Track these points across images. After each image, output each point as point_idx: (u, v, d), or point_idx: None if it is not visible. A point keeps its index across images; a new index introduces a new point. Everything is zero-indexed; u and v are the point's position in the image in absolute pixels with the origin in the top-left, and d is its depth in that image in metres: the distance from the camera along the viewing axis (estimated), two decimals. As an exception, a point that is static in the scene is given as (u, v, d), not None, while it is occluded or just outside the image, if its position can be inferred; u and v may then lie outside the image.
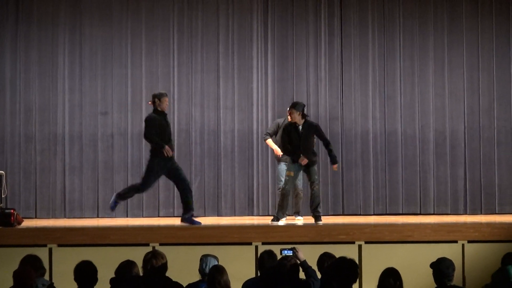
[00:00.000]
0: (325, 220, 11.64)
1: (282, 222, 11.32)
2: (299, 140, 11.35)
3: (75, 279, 6.78)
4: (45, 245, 10.00)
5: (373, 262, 9.75)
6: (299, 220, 11.90)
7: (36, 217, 13.15)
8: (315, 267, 7.41)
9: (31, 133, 13.40)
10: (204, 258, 7.66)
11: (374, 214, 13.36)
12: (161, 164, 10.67)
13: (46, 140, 13.41)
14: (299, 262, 7.15)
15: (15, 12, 13.49)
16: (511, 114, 13.55)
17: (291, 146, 11.42)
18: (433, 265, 6.93)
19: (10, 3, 13.48)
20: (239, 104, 13.57)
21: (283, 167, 12.21)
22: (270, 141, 12.40)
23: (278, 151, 12.20)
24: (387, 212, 13.41)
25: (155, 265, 6.94)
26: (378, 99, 13.61)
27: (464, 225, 10.59)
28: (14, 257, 8.39)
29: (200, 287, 7.33)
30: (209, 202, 13.35)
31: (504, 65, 13.59)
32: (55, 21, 13.51)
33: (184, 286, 7.11)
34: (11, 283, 6.87)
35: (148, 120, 10.80)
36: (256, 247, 9.95)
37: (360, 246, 10.14)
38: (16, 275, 6.86)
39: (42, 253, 8.47)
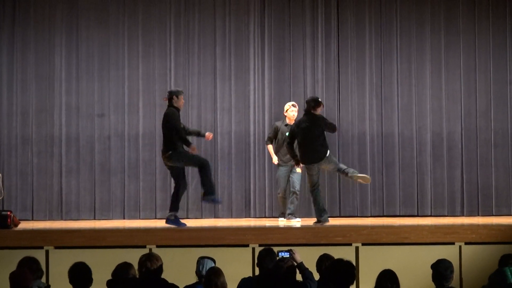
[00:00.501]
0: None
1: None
2: None
3: (70, 281, 6.78)
4: (41, 247, 10.00)
5: (370, 264, 9.74)
6: (297, 222, 11.91)
7: (32, 219, 13.14)
8: (312, 269, 7.40)
9: (28, 135, 13.39)
10: (201, 260, 7.65)
11: (371, 216, 13.36)
12: (181, 153, 10.78)
13: (43, 142, 13.40)
14: (296, 264, 7.14)
15: (12, 14, 13.48)
16: (508, 115, 13.56)
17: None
18: (432, 266, 6.93)
19: (6, 5, 13.47)
20: (236, 105, 13.57)
21: (282, 171, 12.26)
22: (270, 148, 12.50)
23: (275, 160, 12.37)
24: (384, 214, 13.41)
25: (150, 267, 6.93)
26: (375, 100, 13.60)
27: (461, 226, 10.58)
28: (11, 259, 8.38)
29: (197, 289, 7.34)
30: (206, 204, 13.31)
31: (501, 66, 13.60)
32: (52, 23, 13.51)
33: (181, 288, 7.12)
34: (8, 285, 6.86)
35: (171, 115, 10.80)
36: (253, 249, 9.95)
37: (357, 248, 10.14)
38: (13, 277, 6.84)
39: (39, 255, 8.43)
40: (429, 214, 13.39)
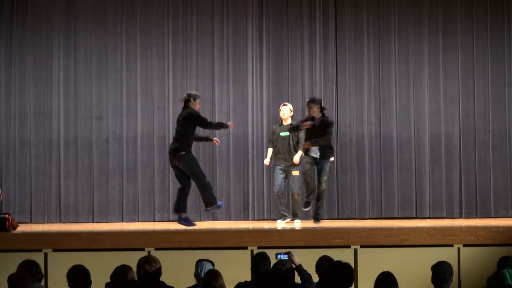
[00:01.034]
0: (321, 224, 11.64)
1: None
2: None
3: (69, 284, 6.78)
4: (40, 250, 10.00)
5: (369, 266, 9.75)
6: (298, 223, 11.94)
7: (31, 222, 13.12)
8: (310, 271, 7.40)
9: (26, 138, 13.38)
10: (199, 263, 7.66)
11: (369, 218, 13.35)
12: (192, 159, 11.06)
13: (41, 145, 13.39)
14: (294, 266, 7.14)
15: (10, 17, 13.47)
16: (506, 117, 13.56)
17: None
18: (432, 268, 6.92)
19: (4, 8, 13.46)
20: (234, 108, 13.56)
21: (278, 171, 12.31)
22: (268, 150, 12.63)
23: (266, 161, 12.69)
24: (383, 216, 13.41)
25: (149, 270, 6.94)
26: (373, 103, 13.61)
27: (460, 228, 10.59)
28: (9, 262, 8.38)
29: (195, 292, 7.34)
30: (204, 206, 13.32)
31: (499, 68, 13.61)
32: (50, 25, 13.50)
33: (179, 290, 7.11)
34: (6, 288, 6.86)
35: (196, 113, 11.07)
36: (252, 252, 9.95)
37: (355, 250, 10.15)
38: (11, 280, 6.83)
39: (37, 258, 8.44)
40: (428, 216, 13.39)
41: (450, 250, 10.12)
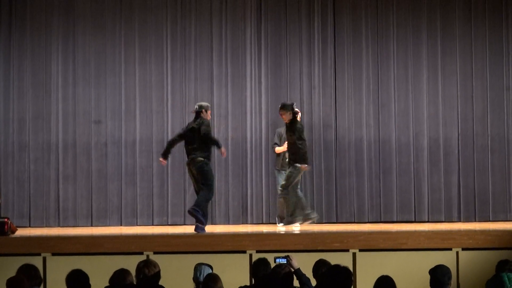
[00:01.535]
0: (319, 228, 11.65)
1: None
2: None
3: (68, 289, 6.79)
4: (39, 254, 9.97)
5: (367, 270, 9.74)
6: (296, 227, 11.93)
7: (30, 226, 13.12)
8: (309, 275, 7.40)
9: (24, 142, 13.38)
10: (198, 267, 7.65)
11: (368, 222, 13.35)
12: (210, 169, 11.18)
13: (39, 149, 13.38)
14: (293, 270, 7.14)
15: (8, 21, 13.47)
16: (504, 121, 13.57)
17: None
18: (430, 272, 6.93)
19: (3, 12, 13.46)
20: (233, 112, 13.57)
21: (283, 175, 12.30)
22: (277, 148, 12.72)
23: (281, 148, 12.64)
24: (381, 220, 13.40)
25: (148, 274, 6.94)
26: (372, 106, 13.61)
27: (458, 232, 10.58)
28: (8, 266, 8.39)
29: (194, 296, 7.34)
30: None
31: (497, 72, 13.62)
32: (48, 29, 13.50)
33: (178, 294, 7.12)
34: (5, 292, 6.86)
35: (208, 125, 11.18)
36: (250, 255, 9.94)
37: (354, 254, 10.13)
38: (10, 284, 6.82)
39: (36, 262, 8.42)
40: (426, 220, 13.39)
41: (449, 254, 10.11)
